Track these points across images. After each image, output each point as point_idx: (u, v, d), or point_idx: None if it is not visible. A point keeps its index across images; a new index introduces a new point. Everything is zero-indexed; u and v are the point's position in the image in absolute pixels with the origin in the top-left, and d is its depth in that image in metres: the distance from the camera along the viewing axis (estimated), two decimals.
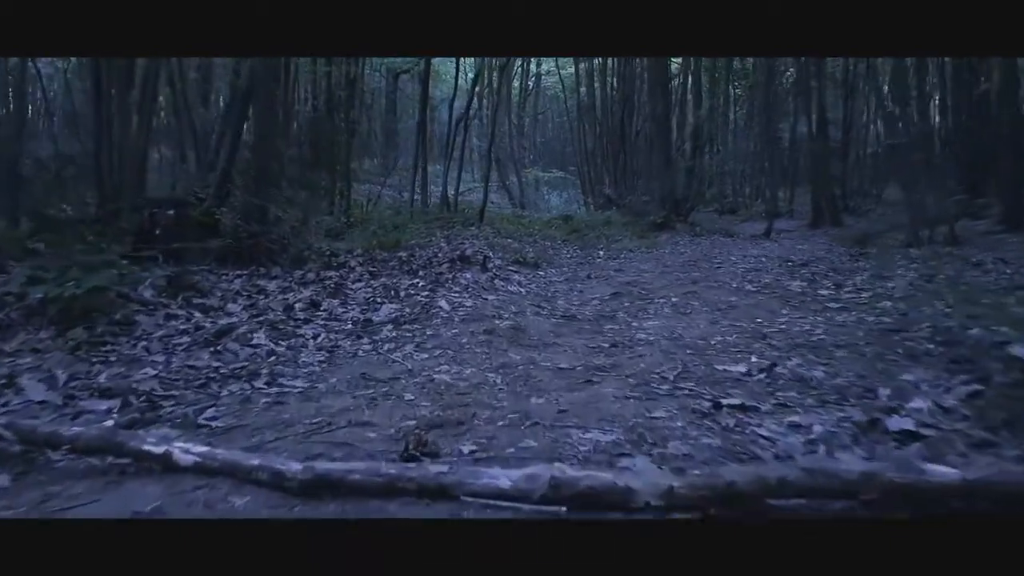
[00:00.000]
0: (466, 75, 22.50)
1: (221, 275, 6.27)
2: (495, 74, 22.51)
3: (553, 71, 30.00)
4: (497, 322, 4.79)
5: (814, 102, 17.63)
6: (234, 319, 4.64)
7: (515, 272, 7.93)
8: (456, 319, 5.01)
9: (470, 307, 5.46)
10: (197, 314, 4.73)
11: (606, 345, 4.25)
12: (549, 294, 6.69)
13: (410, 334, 4.57)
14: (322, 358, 3.98)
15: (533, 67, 29.16)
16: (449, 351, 4.06)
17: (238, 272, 6.31)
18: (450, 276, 6.82)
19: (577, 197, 24.17)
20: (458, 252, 8.34)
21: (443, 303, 5.35)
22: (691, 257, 9.81)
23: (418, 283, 6.30)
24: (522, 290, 6.74)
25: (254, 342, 4.09)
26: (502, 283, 6.91)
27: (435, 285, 6.25)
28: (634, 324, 5.01)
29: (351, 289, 5.85)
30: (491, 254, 8.67)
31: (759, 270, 7.93)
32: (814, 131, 17.50)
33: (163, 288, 5.17)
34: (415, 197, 14.98)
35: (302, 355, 3.99)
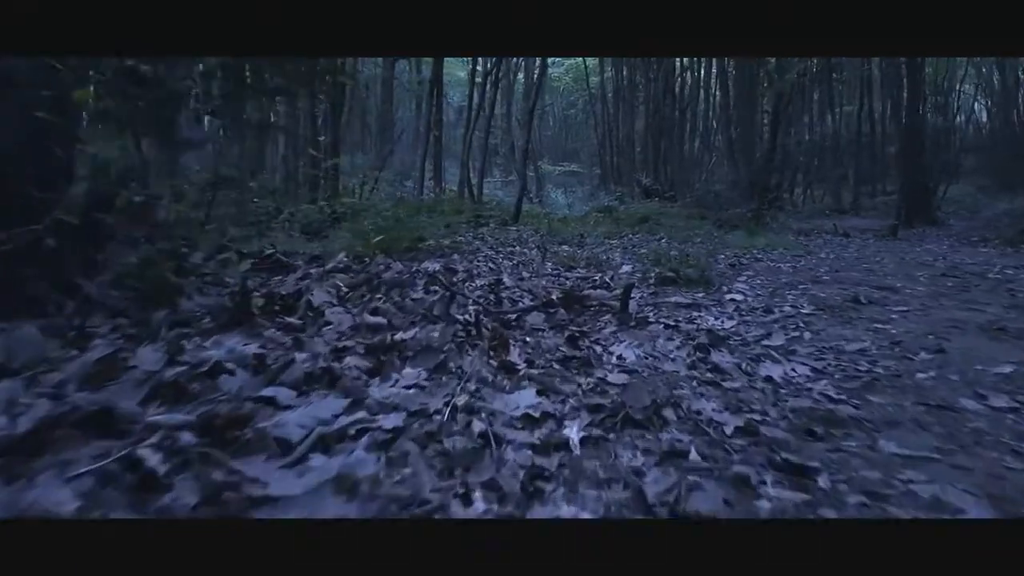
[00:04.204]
0: (471, 63, 17.79)
1: None
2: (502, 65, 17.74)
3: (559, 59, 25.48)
4: None
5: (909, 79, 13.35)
6: None
7: (697, 309, 3.27)
8: None
9: None
10: None
11: None
12: (883, 373, 2.09)
13: None
14: None
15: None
16: None
17: None
18: (590, 360, 2.13)
19: (593, 191, 19.59)
20: (553, 289, 3.69)
21: None
22: (935, 268, 5.21)
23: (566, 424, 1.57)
24: (812, 383, 2.06)
25: None
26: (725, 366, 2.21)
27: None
28: None
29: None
30: (608, 279, 4.04)
31: None
32: (906, 114, 13.18)
33: None
34: (425, 186, 10.37)
35: None
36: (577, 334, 2.77)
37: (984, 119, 23.83)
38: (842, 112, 17.59)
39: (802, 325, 2.92)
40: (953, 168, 16.66)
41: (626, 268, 4.47)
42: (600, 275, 4.30)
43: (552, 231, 8.95)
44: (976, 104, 23.33)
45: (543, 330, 2.83)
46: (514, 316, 3.00)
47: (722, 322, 2.98)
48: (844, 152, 17.20)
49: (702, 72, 18.67)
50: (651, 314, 3.14)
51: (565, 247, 7.56)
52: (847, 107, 17.95)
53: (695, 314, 3.12)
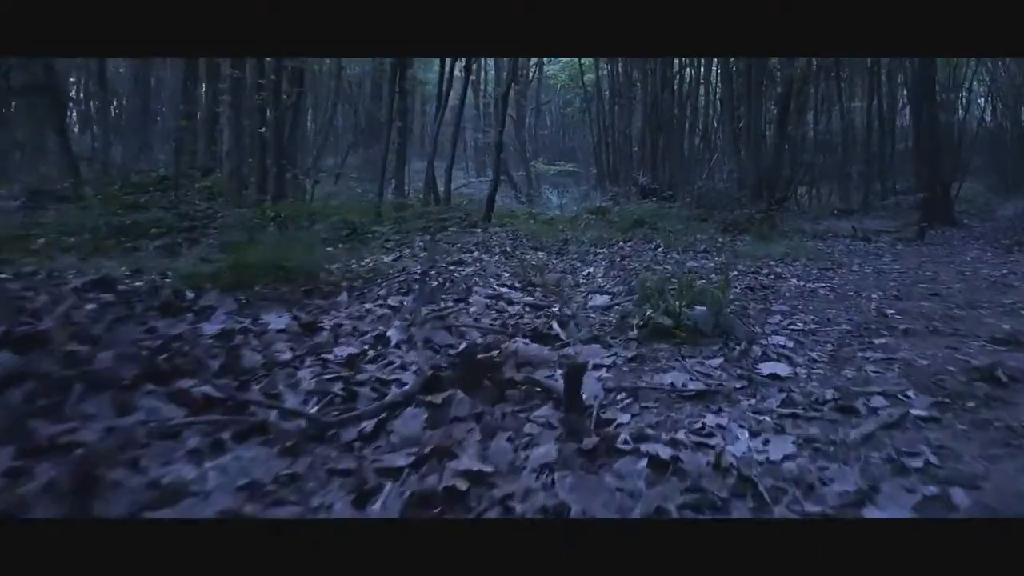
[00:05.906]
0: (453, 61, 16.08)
1: None
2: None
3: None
4: None
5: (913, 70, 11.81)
6: None
7: (714, 404, 1.75)
8: None
9: None
10: None
11: None
12: None
13: None
14: None
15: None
16: None
17: None
18: None
19: (589, 191, 18.03)
20: (460, 341, 2.18)
21: None
22: (1018, 290, 3.68)
23: None
24: None
25: None
26: None
27: None
28: None
29: None
30: (561, 322, 2.54)
31: None
32: (923, 111, 11.61)
33: None
34: (385, 185, 8.84)
35: None
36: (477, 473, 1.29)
37: (988, 117, 22.30)
38: (849, 108, 16.01)
39: (931, 458, 1.41)
40: (963, 167, 15.15)
41: (599, 300, 2.95)
42: (560, 307, 2.80)
43: (532, 234, 7.44)
44: (982, 101, 21.79)
45: (406, 468, 1.35)
46: (371, 425, 1.52)
47: (765, 443, 1.48)
48: (851, 149, 15.66)
49: (702, 68, 17.12)
50: (626, 416, 1.63)
51: (540, 254, 6.08)
52: (854, 104, 16.39)
53: (710, 419, 1.61)
